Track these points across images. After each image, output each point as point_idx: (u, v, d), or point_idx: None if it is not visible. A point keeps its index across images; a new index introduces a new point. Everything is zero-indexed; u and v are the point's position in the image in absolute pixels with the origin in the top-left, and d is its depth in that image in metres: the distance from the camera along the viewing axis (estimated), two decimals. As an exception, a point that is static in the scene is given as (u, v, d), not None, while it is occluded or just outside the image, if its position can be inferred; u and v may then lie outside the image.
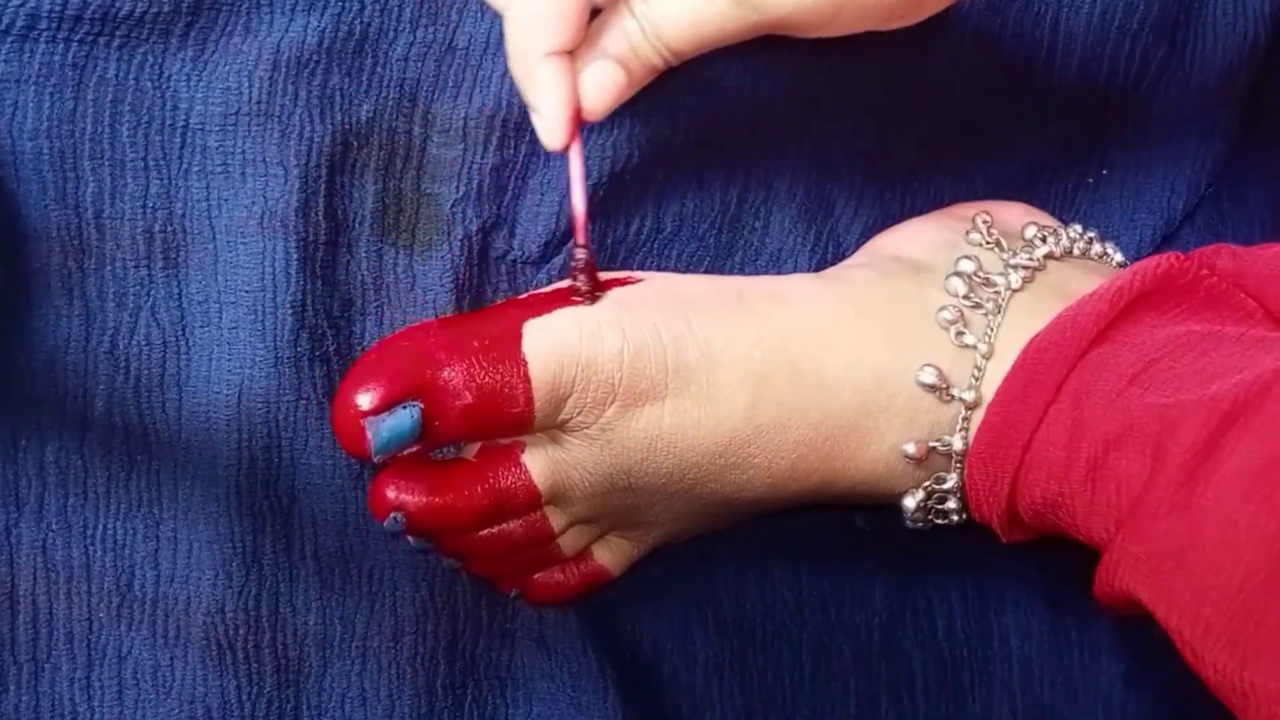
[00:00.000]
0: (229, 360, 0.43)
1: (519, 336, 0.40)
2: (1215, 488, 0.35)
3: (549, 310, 0.41)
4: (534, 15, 0.37)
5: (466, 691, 0.46)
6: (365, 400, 0.39)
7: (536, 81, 0.38)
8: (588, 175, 0.44)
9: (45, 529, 0.43)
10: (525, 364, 0.40)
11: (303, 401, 0.43)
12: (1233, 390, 0.36)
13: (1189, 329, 0.41)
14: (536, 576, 0.46)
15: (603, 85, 0.38)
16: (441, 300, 0.44)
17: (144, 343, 0.43)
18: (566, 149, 0.39)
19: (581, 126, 0.39)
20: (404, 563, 0.45)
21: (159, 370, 0.43)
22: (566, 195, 0.42)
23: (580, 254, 0.41)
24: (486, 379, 0.39)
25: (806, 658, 0.48)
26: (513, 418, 0.40)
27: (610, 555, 0.46)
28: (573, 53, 0.38)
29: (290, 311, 0.43)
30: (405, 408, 0.39)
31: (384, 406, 0.39)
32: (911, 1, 0.38)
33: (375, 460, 0.39)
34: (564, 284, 0.44)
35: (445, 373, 0.40)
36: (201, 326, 0.43)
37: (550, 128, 0.38)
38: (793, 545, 0.49)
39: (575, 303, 0.41)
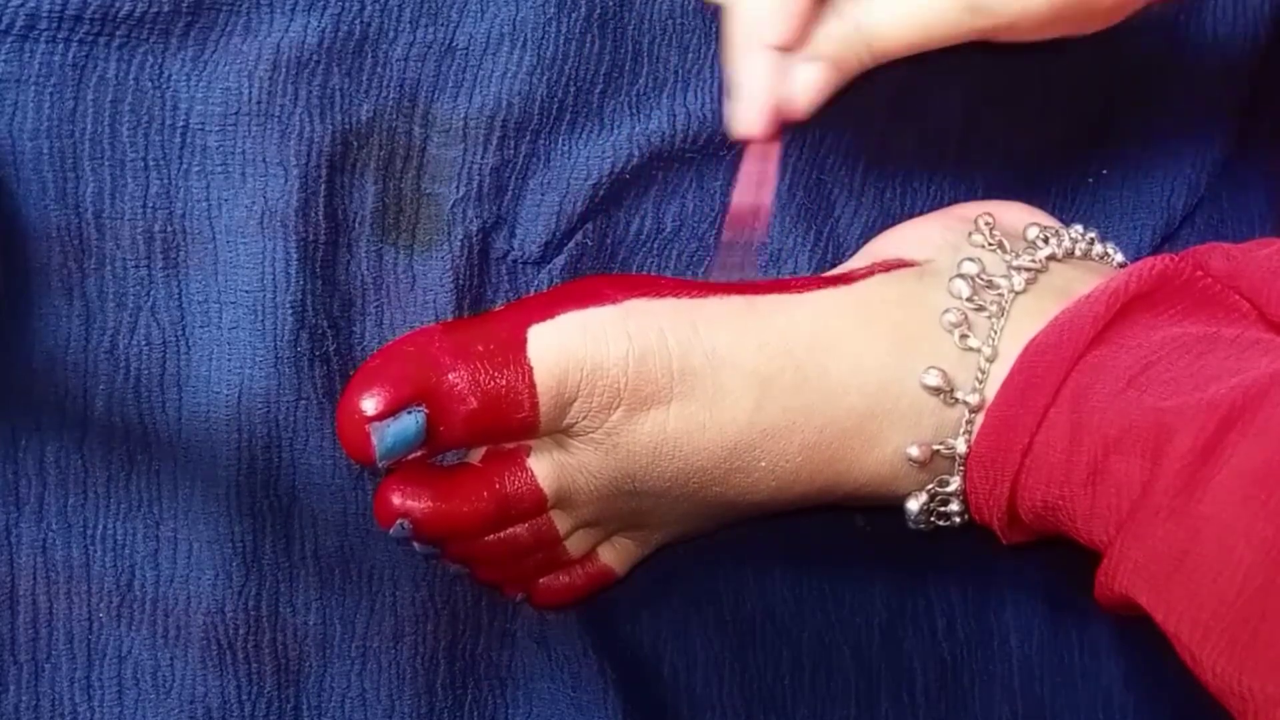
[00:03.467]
0: (229, 360, 0.43)
1: (524, 341, 0.40)
2: (1213, 493, 0.35)
3: (554, 314, 0.40)
4: (762, 9, 0.39)
5: (466, 691, 0.46)
6: (370, 405, 0.38)
7: (748, 66, 0.39)
8: (589, 175, 0.44)
9: (45, 529, 0.43)
10: (530, 369, 0.39)
11: (303, 401, 0.43)
12: (1229, 394, 0.36)
13: (1185, 330, 0.41)
14: (542, 581, 0.45)
15: (815, 84, 0.40)
16: (441, 300, 0.44)
17: (144, 343, 0.43)
18: (760, 140, 0.40)
19: (786, 127, 0.41)
20: (404, 563, 0.45)
21: (159, 370, 0.43)
22: (729, 185, 0.42)
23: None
24: (491, 384, 0.39)
25: (806, 657, 0.48)
26: (518, 422, 0.40)
27: (615, 556, 0.46)
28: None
29: (290, 311, 0.43)
30: (410, 413, 0.39)
31: (389, 412, 0.38)
32: (1118, 9, 0.39)
33: (380, 466, 0.39)
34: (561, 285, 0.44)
35: (450, 377, 0.39)
36: (201, 326, 0.43)
37: (748, 113, 0.40)
38: (793, 545, 0.49)
39: (579, 305, 0.41)
